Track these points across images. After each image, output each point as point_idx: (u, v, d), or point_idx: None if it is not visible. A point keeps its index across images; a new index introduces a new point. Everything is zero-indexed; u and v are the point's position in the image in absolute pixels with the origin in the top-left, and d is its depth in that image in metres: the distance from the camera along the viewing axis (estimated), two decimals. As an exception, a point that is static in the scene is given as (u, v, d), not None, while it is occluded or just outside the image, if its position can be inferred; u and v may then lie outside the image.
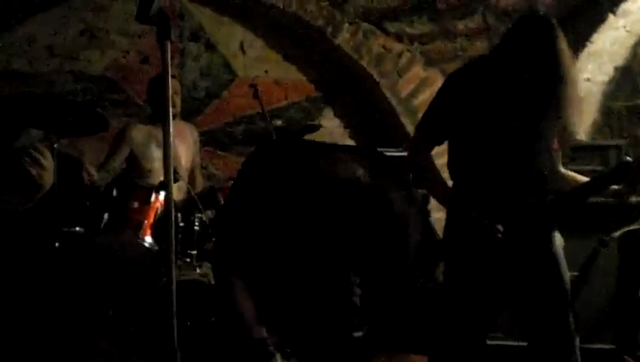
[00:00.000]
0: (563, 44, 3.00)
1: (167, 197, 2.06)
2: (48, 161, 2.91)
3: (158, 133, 4.94)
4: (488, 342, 4.13)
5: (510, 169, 3.00)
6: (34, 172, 2.82)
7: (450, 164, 3.19)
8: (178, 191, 4.64)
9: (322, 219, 2.59)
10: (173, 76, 5.15)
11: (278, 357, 2.67)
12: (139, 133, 5.04)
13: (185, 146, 5.06)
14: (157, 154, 4.92)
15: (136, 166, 4.99)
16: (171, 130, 2.06)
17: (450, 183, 3.17)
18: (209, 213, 4.52)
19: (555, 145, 3.13)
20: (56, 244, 4.32)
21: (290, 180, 2.57)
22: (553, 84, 2.98)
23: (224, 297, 2.70)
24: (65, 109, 4.10)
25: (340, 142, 6.24)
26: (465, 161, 3.11)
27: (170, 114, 2.05)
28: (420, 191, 5.21)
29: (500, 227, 2.92)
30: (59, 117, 4.05)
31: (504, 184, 3.01)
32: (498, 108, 2.99)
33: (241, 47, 6.15)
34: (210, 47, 6.14)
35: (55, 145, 3.53)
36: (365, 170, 2.49)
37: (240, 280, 2.69)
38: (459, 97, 3.07)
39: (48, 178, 2.75)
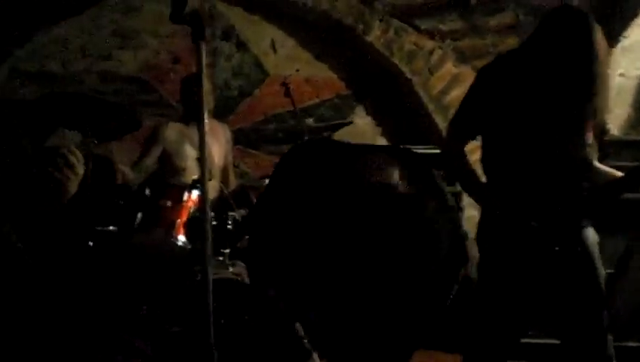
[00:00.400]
0: (598, 35, 2.97)
1: (203, 196, 2.06)
2: (81, 167, 2.94)
3: (191, 132, 4.99)
4: (523, 341, 4.11)
5: (543, 163, 2.97)
6: (63, 177, 2.85)
7: (483, 160, 3.17)
8: (211, 190, 4.65)
9: (353, 221, 2.59)
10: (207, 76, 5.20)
11: (315, 355, 2.66)
12: (171, 131, 5.07)
13: (217, 145, 5.07)
14: (190, 152, 4.95)
15: (169, 164, 5.02)
16: (205, 130, 2.05)
17: (483, 179, 3.15)
18: (241, 211, 4.52)
19: (590, 138, 3.09)
20: (90, 244, 4.36)
21: (324, 182, 2.56)
22: (588, 76, 2.94)
23: (260, 296, 2.69)
24: (100, 111, 4.12)
25: (372, 140, 6.24)
26: (498, 156, 3.09)
27: (205, 113, 2.05)
28: (453, 188, 5.24)
29: (533, 223, 2.90)
30: (94, 119, 4.07)
31: (537, 178, 2.98)
32: (531, 102, 2.96)
33: (272, 46, 6.16)
34: (242, 46, 6.16)
35: (91, 148, 3.56)
36: (399, 174, 2.48)
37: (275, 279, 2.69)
38: (491, 91, 3.05)
39: (75, 184, 2.77)
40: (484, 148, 3.16)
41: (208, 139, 4.77)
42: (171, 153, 5.01)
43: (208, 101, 4.98)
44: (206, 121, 4.60)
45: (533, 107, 2.96)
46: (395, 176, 2.45)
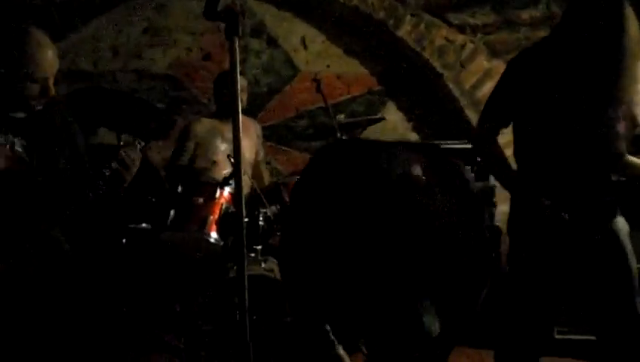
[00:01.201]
0: (630, 15, 2.92)
1: (237, 192, 2.05)
2: (136, 168, 2.99)
3: (223, 127, 5.02)
4: (556, 337, 4.08)
5: (575, 153, 2.94)
6: (124, 175, 2.93)
7: (515, 150, 3.15)
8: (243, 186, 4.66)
9: (380, 216, 2.57)
10: (240, 73, 5.20)
11: (339, 347, 2.65)
12: (203, 126, 5.12)
13: (248, 140, 5.08)
14: (221, 147, 4.97)
15: (200, 158, 5.04)
16: (241, 123, 2.04)
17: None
18: (273, 208, 4.52)
19: (622, 129, 3.04)
20: (124, 241, 4.38)
21: (351, 180, 2.55)
22: (620, 63, 2.90)
23: (292, 291, 2.68)
24: (141, 112, 4.13)
25: (403, 136, 6.22)
26: (528, 146, 3.07)
27: (240, 109, 2.04)
28: (485, 183, 5.21)
29: (564, 214, 2.87)
30: (135, 120, 4.09)
31: (568, 169, 2.95)
32: (562, 90, 2.93)
33: (303, 42, 6.15)
34: (272, 42, 6.15)
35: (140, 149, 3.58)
36: (423, 168, 2.45)
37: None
38: (522, 80, 3.03)
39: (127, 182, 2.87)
40: (516, 138, 3.14)
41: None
42: (203, 146, 5.05)
43: (242, 98, 4.99)
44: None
45: (563, 95, 2.93)
46: (417, 169, 2.43)
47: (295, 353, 3.66)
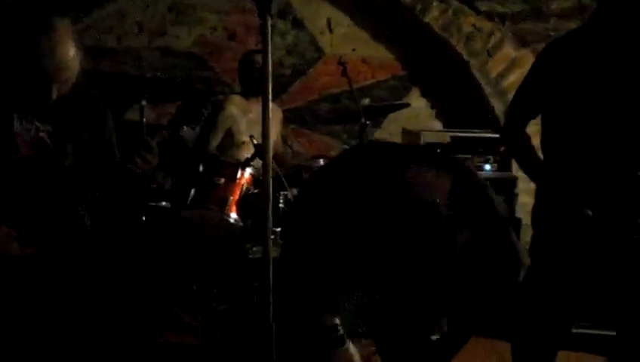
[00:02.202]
0: None
1: (265, 172, 2.03)
2: (155, 158, 2.97)
3: (250, 107, 5.01)
4: (575, 331, 4.04)
5: (601, 149, 2.90)
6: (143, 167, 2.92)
7: (542, 143, 3.11)
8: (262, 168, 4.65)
9: (394, 232, 2.54)
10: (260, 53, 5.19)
11: (348, 342, 2.63)
12: (234, 106, 5.12)
13: (272, 126, 5.06)
14: (248, 128, 4.97)
15: (230, 138, 5.05)
16: (270, 105, 2.02)
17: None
18: (294, 190, 4.50)
19: None
20: (143, 218, 4.38)
21: (371, 190, 2.53)
22: None
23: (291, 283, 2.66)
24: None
25: (426, 123, 6.19)
26: (556, 139, 3.03)
27: (270, 89, 2.01)
28: (508, 173, 5.18)
29: (588, 211, 2.83)
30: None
31: (595, 164, 2.90)
32: (594, 83, 2.88)
33: (329, 25, 6.10)
34: (298, 24, 6.11)
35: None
36: (448, 194, 2.43)
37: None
38: (552, 72, 2.98)
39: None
40: (544, 130, 3.10)
41: (259, 117, 4.81)
42: (233, 128, 5.05)
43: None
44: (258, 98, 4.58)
45: (595, 88, 2.88)
46: (444, 198, 2.40)
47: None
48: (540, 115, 3.09)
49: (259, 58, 4.95)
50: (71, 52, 2.73)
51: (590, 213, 2.83)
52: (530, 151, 3.11)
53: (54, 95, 2.73)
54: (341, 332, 2.59)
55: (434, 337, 2.79)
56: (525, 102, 3.12)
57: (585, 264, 2.94)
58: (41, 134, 2.82)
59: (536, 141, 3.11)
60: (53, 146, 2.84)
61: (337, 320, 2.61)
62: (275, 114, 5.26)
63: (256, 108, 5.02)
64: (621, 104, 2.87)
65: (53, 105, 2.77)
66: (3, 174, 2.73)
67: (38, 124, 2.81)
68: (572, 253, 2.93)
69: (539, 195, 3.12)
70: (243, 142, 4.97)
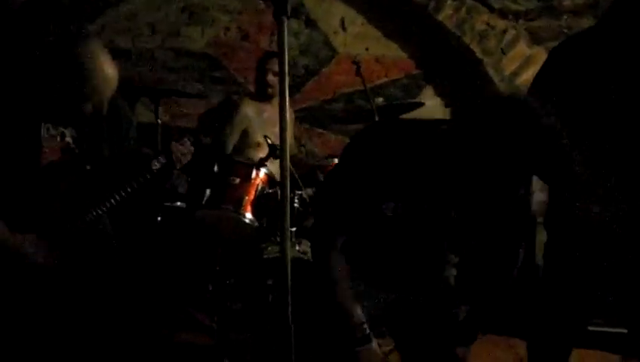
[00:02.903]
0: None
1: (282, 172, 2.03)
2: (186, 161, 3.01)
3: (264, 109, 5.04)
4: (590, 329, 4.04)
5: (616, 147, 2.89)
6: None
7: None
8: (277, 168, 4.66)
9: (417, 199, 2.53)
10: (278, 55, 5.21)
11: (374, 341, 2.63)
12: (250, 108, 5.15)
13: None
14: (262, 129, 4.99)
15: (246, 138, 5.07)
16: (287, 105, 2.02)
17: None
18: (309, 190, 4.50)
19: None
20: (159, 219, 4.39)
21: (390, 163, 2.52)
22: None
23: (323, 281, 2.67)
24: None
25: (440, 122, 6.17)
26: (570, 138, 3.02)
27: (287, 90, 2.01)
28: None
29: (597, 209, 2.83)
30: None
31: (611, 162, 2.90)
32: (607, 84, 2.87)
33: (342, 24, 6.11)
34: (311, 23, 6.12)
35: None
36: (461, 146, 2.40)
37: (341, 259, 2.65)
38: (564, 72, 2.97)
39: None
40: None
41: (272, 118, 4.82)
42: (249, 128, 5.08)
43: (276, 82, 5.02)
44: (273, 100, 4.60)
45: (608, 89, 2.87)
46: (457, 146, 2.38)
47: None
48: None
49: (275, 60, 4.98)
50: (110, 70, 2.76)
51: (599, 210, 2.83)
52: None
53: (90, 109, 2.75)
54: (368, 330, 2.60)
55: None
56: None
57: (599, 263, 2.94)
58: (67, 139, 2.85)
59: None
60: (78, 151, 2.86)
61: (365, 318, 2.61)
62: (290, 114, 5.28)
63: (269, 109, 5.04)
64: (634, 104, 2.86)
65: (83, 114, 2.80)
66: (29, 180, 2.75)
67: (63, 130, 2.83)
68: (587, 252, 2.93)
69: (552, 196, 3.12)
70: (258, 144, 4.99)
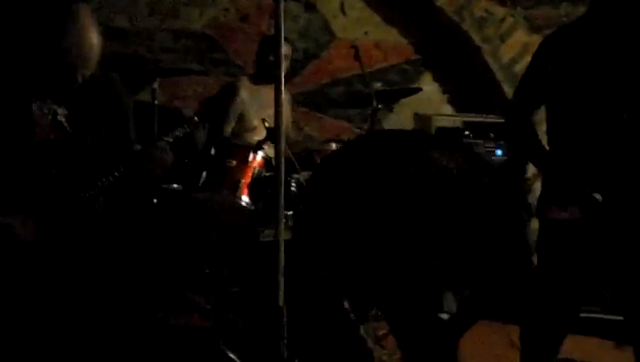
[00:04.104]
0: None
1: (277, 156, 2.04)
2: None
3: (261, 91, 5.02)
4: (584, 315, 4.06)
5: (610, 136, 2.90)
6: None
7: (548, 131, 3.11)
8: (274, 151, 4.66)
9: (408, 206, 2.55)
10: (286, 39, 5.21)
11: (361, 328, 2.65)
12: (245, 89, 5.13)
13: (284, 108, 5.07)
14: (259, 112, 4.98)
15: (242, 121, 5.06)
16: (282, 88, 2.03)
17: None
18: (305, 173, 4.51)
19: None
20: (155, 201, 4.39)
21: (384, 174, 2.54)
22: None
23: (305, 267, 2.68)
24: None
25: (438, 107, 6.18)
26: (561, 127, 3.03)
27: (283, 74, 2.02)
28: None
29: (597, 196, 2.83)
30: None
31: (601, 151, 2.90)
32: (597, 72, 2.88)
33: (342, 8, 6.10)
34: (310, 7, 6.11)
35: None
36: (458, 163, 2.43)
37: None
38: (555, 61, 2.98)
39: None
40: (549, 118, 3.10)
41: (270, 102, 4.81)
42: (245, 112, 5.07)
43: (284, 64, 5.01)
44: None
45: (598, 77, 2.88)
46: (454, 163, 2.41)
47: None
48: (544, 104, 3.10)
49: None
50: (95, 38, 2.75)
51: (599, 197, 2.83)
52: (535, 138, 3.11)
53: (79, 80, 2.75)
54: (353, 316, 2.61)
55: (443, 316, 2.81)
56: (528, 92, 3.11)
57: (594, 251, 2.95)
58: (59, 118, 2.84)
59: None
60: (71, 130, 2.86)
61: (348, 305, 2.62)
62: (287, 98, 5.27)
63: (266, 92, 5.02)
64: (623, 90, 2.87)
65: (73, 90, 2.79)
66: (21, 157, 2.75)
67: (55, 108, 2.83)
68: (581, 240, 2.94)
69: (545, 185, 3.12)
70: (255, 127, 4.98)
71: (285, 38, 5.13)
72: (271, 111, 4.68)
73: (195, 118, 3.21)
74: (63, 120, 2.84)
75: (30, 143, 2.77)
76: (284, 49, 4.97)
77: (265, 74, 5.10)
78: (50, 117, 2.82)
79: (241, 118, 5.10)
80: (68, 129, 2.85)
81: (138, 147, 3.10)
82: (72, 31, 2.68)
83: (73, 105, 2.86)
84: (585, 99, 2.91)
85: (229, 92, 5.18)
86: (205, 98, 5.80)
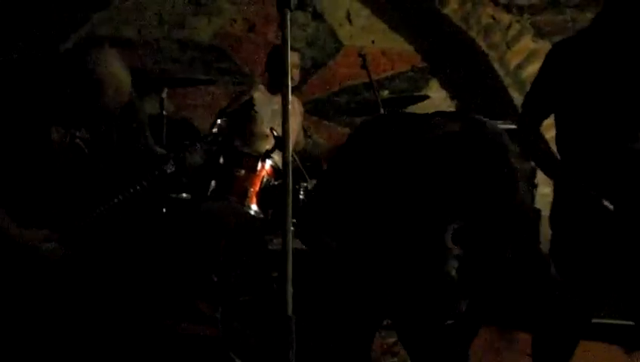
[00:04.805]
0: None
1: (285, 164, 2.04)
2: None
3: (275, 102, 5.03)
4: (594, 321, 4.05)
5: (618, 143, 2.90)
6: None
7: (557, 138, 3.12)
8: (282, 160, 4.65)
9: (420, 182, 2.53)
10: (296, 49, 5.22)
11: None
12: (260, 93, 5.15)
13: (293, 119, 5.08)
14: (271, 122, 4.98)
15: (254, 129, 5.06)
16: (289, 97, 2.03)
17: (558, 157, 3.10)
18: (314, 181, 4.51)
19: None
20: (164, 210, 4.40)
21: (388, 153, 2.53)
22: None
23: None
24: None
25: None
26: (570, 135, 3.04)
27: (290, 84, 2.02)
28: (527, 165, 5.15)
29: (607, 203, 2.83)
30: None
31: (612, 158, 2.91)
32: (604, 81, 2.89)
33: (348, 17, 6.12)
34: (317, 16, 6.12)
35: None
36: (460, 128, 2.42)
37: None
38: (563, 70, 2.99)
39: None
40: (558, 126, 3.12)
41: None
42: (258, 118, 5.06)
43: (293, 75, 5.01)
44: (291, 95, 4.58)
45: (606, 86, 2.89)
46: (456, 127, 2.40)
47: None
48: (553, 113, 3.11)
49: (294, 53, 4.98)
50: (126, 78, 2.80)
51: (609, 204, 2.83)
52: (545, 146, 3.11)
53: (104, 114, 2.80)
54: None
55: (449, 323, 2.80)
56: (537, 102, 3.12)
57: (606, 258, 2.95)
58: (77, 140, 2.87)
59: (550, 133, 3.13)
60: (88, 152, 2.89)
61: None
62: (296, 107, 5.28)
63: (279, 101, 5.02)
64: (630, 98, 2.88)
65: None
66: (40, 179, 2.79)
67: (74, 131, 2.86)
68: (593, 248, 2.94)
69: (557, 193, 3.13)
70: (266, 135, 4.99)
71: (295, 48, 5.16)
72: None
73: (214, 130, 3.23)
74: (80, 142, 2.88)
75: (47, 164, 2.81)
76: (294, 58, 5.01)
77: (276, 83, 5.10)
78: (67, 139, 2.85)
79: (254, 125, 5.07)
80: (85, 150, 2.89)
81: (160, 150, 3.14)
82: (99, 75, 2.73)
83: (95, 128, 2.91)
84: (594, 108, 2.92)
85: (241, 96, 5.17)
86: (215, 109, 5.82)
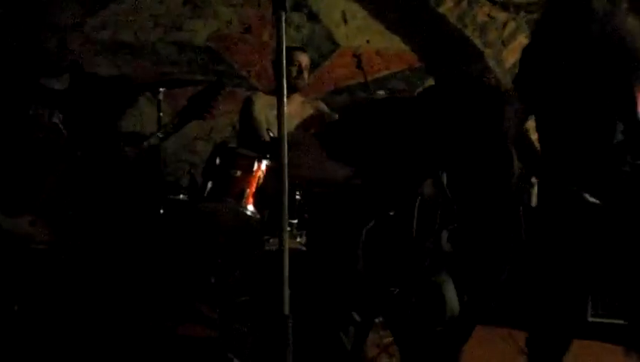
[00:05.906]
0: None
1: (281, 166, 2.05)
2: None
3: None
4: (591, 320, 4.06)
5: (594, 140, 2.92)
6: None
7: (539, 136, 3.14)
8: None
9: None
10: (303, 50, 5.21)
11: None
12: (264, 100, 5.16)
13: (300, 121, 5.07)
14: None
15: (257, 134, 5.08)
16: (285, 100, 2.04)
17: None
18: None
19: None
20: (161, 211, 4.40)
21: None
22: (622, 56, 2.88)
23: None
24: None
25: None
26: (549, 132, 3.05)
27: (285, 85, 2.04)
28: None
29: (589, 197, 2.85)
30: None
31: (592, 154, 2.92)
32: (573, 80, 2.91)
33: (344, 17, 6.12)
34: (313, 17, 6.13)
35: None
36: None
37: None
38: (531, 71, 3.02)
39: None
40: (537, 124, 3.13)
41: (291, 113, 4.81)
42: (259, 124, 5.06)
43: (304, 75, 5.04)
44: (299, 97, 4.59)
45: (576, 85, 2.92)
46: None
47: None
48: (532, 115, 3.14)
49: (298, 55, 4.99)
50: None
51: (590, 198, 2.85)
52: (530, 145, 3.14)
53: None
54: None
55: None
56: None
57: (592, 252, 2.97)
58: (55, 120, 2.88)
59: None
60: (66, 133, 2.89)
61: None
62: (306, 107, 5.24)
63: (286, 102, 5.01)
64: (604, 96, 2.90)
65: (67, 93, 2.83)
66: (19, 157, 2.78)
67: (50, 110, 2.86)
68: (579, 241, 2.96)
69: (541, 190, 3.15)
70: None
71: (303, 49, 5.15)
72: (294, 121, 4.73)
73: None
74: (58, 122, 2.88)
75: (28, 143, 2.80)
76: (304, 60, 5.04)
77: (288, 86, 5.07)
78: (45, 118, 2.85)
79: (257, 130, 5.10)
80: (63, 131, 2.89)
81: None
82: None
83: (67, 109, 2.90)
84: (567, 107, 2.93)
85: (246, 103, 5.17)
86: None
